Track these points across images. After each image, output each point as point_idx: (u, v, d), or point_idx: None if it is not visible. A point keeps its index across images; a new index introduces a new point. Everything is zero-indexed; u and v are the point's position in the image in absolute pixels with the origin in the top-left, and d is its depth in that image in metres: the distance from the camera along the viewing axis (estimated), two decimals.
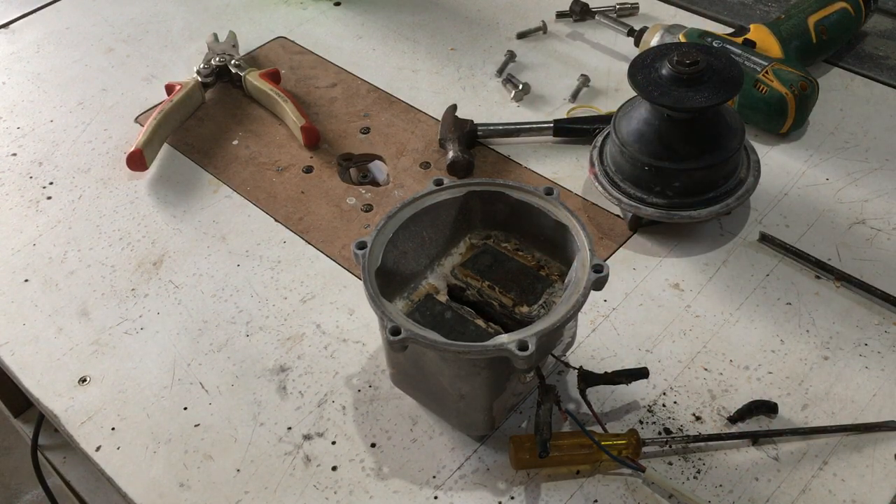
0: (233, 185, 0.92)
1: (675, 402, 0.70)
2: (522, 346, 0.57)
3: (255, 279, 0.82)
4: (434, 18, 1.14)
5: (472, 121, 0.94)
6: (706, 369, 0.72)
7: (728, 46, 0.94)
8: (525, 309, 0.67)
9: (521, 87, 1.00)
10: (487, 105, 1.00)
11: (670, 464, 0.66)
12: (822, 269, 0.78)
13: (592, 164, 0.85)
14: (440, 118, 0.96)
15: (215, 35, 1.09)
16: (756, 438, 0.66)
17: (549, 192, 0.68)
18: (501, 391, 0.64)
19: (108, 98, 1.04)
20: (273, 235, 0.86)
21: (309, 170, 0.93)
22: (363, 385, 0.73)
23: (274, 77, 1.03)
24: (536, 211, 0.69)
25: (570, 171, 0.91)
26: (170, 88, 1.00)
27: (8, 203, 0.91)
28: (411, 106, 1.00)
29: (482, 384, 0.62)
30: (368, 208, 0.89)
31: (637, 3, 1.11)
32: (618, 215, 0.86)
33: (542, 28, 1.09)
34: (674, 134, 0.78)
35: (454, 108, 0.96)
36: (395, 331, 0.59)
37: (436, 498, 0.65)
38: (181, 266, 0.83)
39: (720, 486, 0.64)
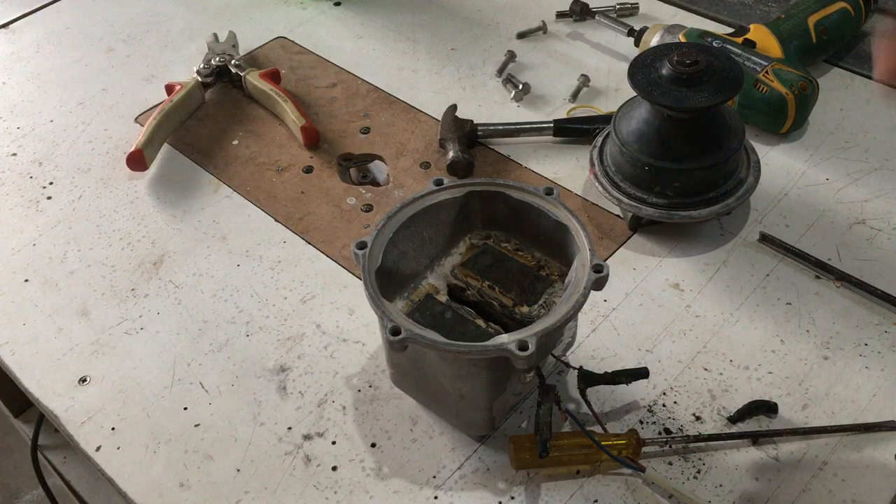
0: (233, 185, 0.92)
1: (675, 402, 0.70)
2: (522, 346, 0.57)
3: (255, 279, 0.82)
4: (434, 18, 1.14)
5: (472, 121, 0.94)
6: (706, 369, 0.72)
7: (728, 46, 0.94)
8: (525, 309, 0.67)
9: (521, 87, 1.00)
10: (487, 105, 1.00)
11: (670, 464, 0.66)
12: (822, 269, 0.78)
13: (592, 164, 0.85)
14: (440, 118, 0.96)
15: (215, 35, 1.09)
16: (756, 438, 0.66)
17: (549, 192, 0.68)
18: (501, 391, 0.64)
19: (108, 98, 1.04)
20: (273, 235, 0.86)
21: (309, 170, 0.93)
22: (363, 385, 0.73)
23: (274, 77, 1.03)
24: (536, 211, 0.69)
25: (570, 171, 0.91)
26: (170, 88, 1.00)
27: (8, 203, 0.91)
28: (411, 106, 1.00)
29: (482, 384, 0.62)
30: (368, 208, 0.89)
31: (637, 3, 1.11)
32: (618, 215, 0.86)
33: (542, 28, 1.09)
34: (674, 134, 0.78)
35: (454, 108, 0.96)
36: (395, 331, 0.59)
37: (436, 498, 0.65)
38: (181, 266, 0.83)
39: (720, 486, 0.64)
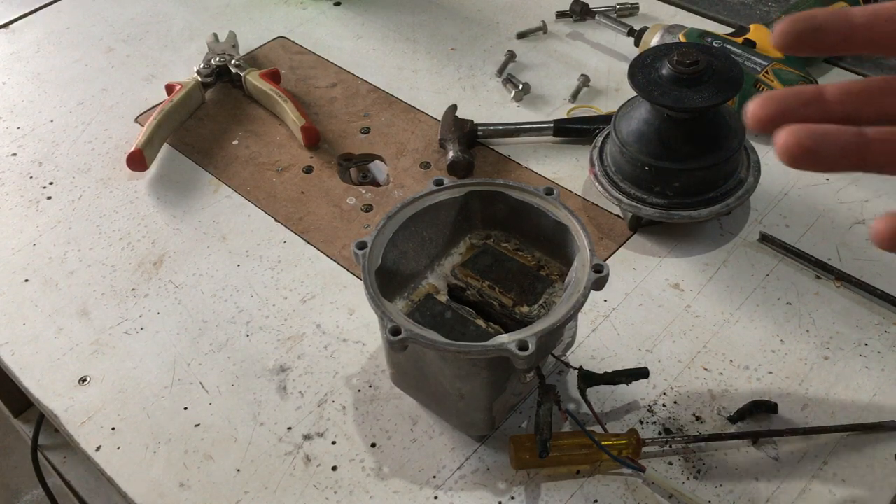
0: (233, 185, 0.92)
1: (675, 402, 0.70)
2: (522, 346, 0.57)
3: (255, 279, 0.82)
4: (434, 18, 1.14)
5: (472, 121, 0.94)
6: (706, 369, 0.72)
7: (728, 46, 0.94)
8: (525, 309, 0.67)
9: (521, 87, 1.00)
10: (487, 105, 1.00)
11: (670, 464, 0.66)
12: (822, 269, 0.78)
13: (592, 164, 0.85)
14: (440, 118, 0.96)
15: (215, 35, 1.09)
16: (756, 438, 0.66)
17: (549, 192, 0.68)
18: (501, 391, 0.64)
19: (108, 98, 1.04)
20: (273, 235, 0.86)
21: (309, 170, 0.93)
22: (363, 385, 0.73)
23: (274, 77, 1.03)
24: (536, 211, 0.69)
25: (570, 171, 0.91)
26: (170, 88, 1.00)
27: (8, 203, 0.91)
28: (411, 106, 1.00)
29: (482, 384, 0.62)
30: (368, 208, 0.89)
31: (637, 3, 1.11)
32: (618, 215, 0.86)
33: (542, 28, 1.09)
34: (674, 134, 0.78)
35: (454, 108, 0.96)
36: (395, 331, 0.59)
37: (436, 498, 0.65)
38: (181, 266, 0.83)
39: (720, 486, 0.64)
